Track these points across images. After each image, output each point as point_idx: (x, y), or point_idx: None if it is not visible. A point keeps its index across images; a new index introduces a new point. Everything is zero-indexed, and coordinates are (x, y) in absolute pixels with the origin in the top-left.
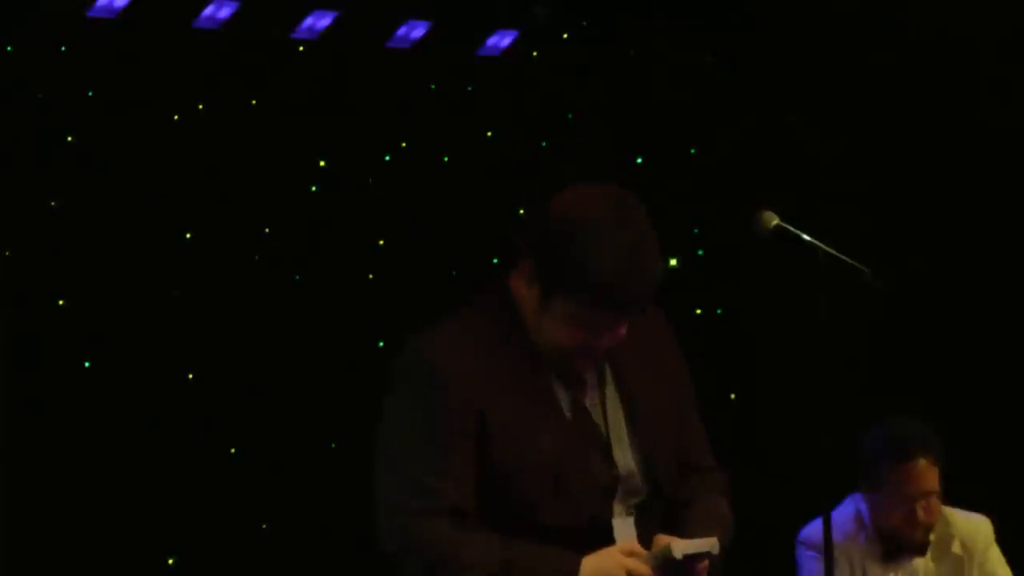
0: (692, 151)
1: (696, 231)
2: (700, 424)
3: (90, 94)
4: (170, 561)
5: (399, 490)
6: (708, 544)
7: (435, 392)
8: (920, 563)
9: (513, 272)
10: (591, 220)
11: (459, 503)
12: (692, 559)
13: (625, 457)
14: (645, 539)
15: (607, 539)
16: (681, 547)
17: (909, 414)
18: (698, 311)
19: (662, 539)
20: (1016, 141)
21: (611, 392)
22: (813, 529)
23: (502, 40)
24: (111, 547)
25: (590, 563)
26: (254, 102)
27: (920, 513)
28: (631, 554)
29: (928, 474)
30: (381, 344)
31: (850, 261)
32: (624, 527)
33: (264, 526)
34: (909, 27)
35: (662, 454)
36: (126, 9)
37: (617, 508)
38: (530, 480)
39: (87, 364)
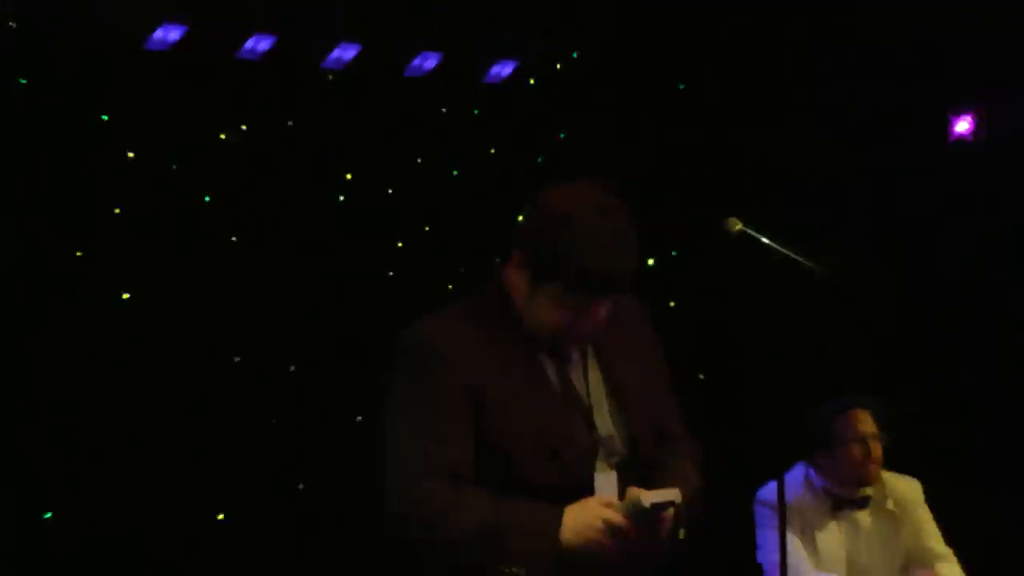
0: (671, 166)
1: (671, 235)
2: (673, 398)
3: (147, 115)
4: (220, 516)
5: (402, 455)
6: (672, 494)
7: (434, 369)
8: (860, 517)
9: (507, 262)
10: (575, 212)
11: (455, 466)
12: (658, 507)
13: (606, 423)
14: (623, 492)
15: (589, 495)
16: (649, 497)
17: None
18: (672, 304)
19: (632, 491)
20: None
21: (593, 368)
22: (768, 490)
23: (503, 70)
24: (170, 505)
25: (571, 513)
26: (290, 123)
27: (869, 452)
28: (607, 505)
29: (869, 420)
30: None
31: (804, 261)
32: (606, 482)
33: (300, 486)
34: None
35: (638, 420)
36: (177, 42)
37: (600, 467)
38: (521, 445)
39: (148, 348)
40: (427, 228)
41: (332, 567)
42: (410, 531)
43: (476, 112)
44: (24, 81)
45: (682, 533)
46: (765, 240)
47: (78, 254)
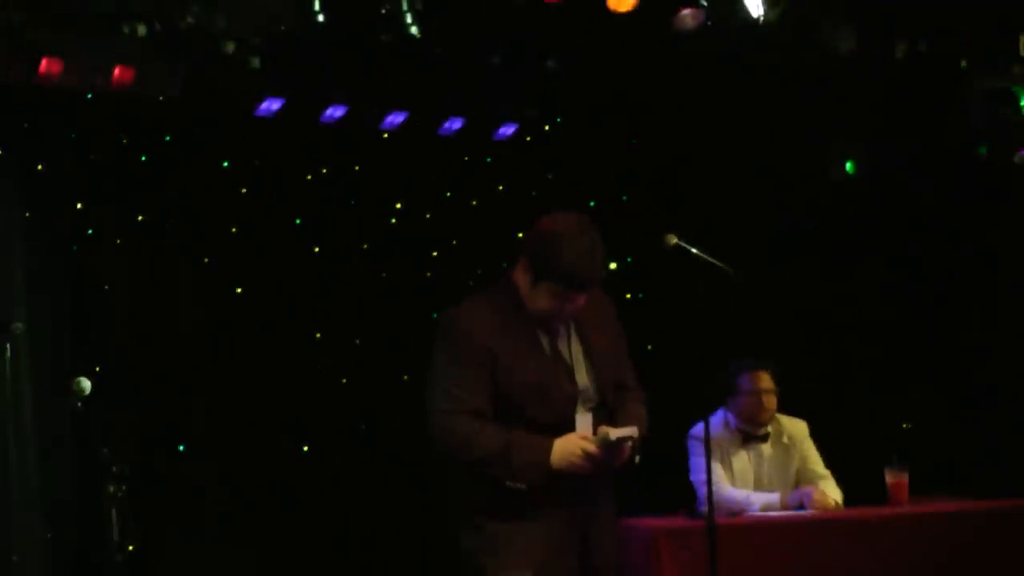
0: (624, 197)
1: (627, 246)
2: (629, 361)
3: (256, 162)
4: (304, 448)
5: (438, 399)
6: (631, 431)
7: (461, 339)
8: (763, 448)
9: (515, 266)
10: (562, 232)
11: (477, 406)
12: (621, 440)
13: (583, 378)
14: (596, 428)
15: (571, 429)
16: (614, 433)
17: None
18: (627, 295)
19: (602, 428)
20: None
21: (574, 339)
22: (697, 428)
23: (508, 130)
24: (264, 439)
25: (559, 444)
26: (357, 168)
27: (765, 403)
28: (584, 438)
29: (767, 379)
30: (434, 316)
31: (720, 265)
32: (584, 420)
33: (363, 426)
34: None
35: (605, 377)
36: (278, 111)
37: (579, 409)
38: (523, 392)
39: (257, 328)
40: (454, 242)
41: (390, 484)
42: (443, 452)
43: (489, 160)
44: (168, 138)
45: (637, 459)
46: (694, 250)
47: (205, 261)
